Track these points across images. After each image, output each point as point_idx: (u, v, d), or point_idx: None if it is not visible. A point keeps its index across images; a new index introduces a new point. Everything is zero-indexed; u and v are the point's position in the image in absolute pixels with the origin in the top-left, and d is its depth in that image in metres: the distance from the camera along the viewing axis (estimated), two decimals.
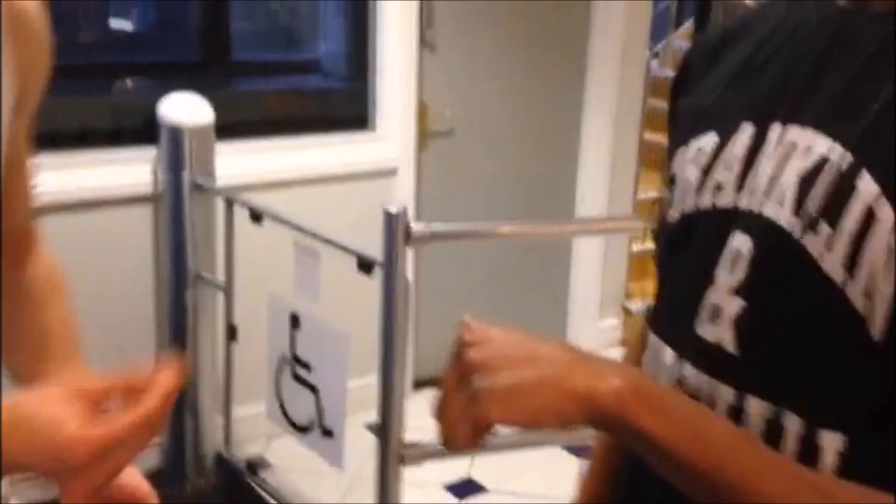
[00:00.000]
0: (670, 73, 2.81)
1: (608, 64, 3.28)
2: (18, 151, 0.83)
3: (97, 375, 0.67)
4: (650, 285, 1.82)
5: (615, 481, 0.82)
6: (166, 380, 0.65)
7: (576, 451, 2.59)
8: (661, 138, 1.08)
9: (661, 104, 1.45)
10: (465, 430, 0.58)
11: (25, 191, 0.88)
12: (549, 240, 3.32)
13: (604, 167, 3.37)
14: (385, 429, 1.75)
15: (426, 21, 2.88)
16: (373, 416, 1.80)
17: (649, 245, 0.89)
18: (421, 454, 1.75)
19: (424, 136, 2.99)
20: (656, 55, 4.37)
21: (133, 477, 0.78)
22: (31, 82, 0.82)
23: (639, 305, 3.51)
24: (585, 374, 0.57)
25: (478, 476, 2.66)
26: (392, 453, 1.75)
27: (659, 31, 4.29)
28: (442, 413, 0.60)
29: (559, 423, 0.57)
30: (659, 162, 0.89)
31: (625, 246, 3.51)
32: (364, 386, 1.98)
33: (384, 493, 1.76)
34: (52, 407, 0.62)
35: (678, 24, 5.18)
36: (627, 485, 0.78)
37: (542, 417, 0.57)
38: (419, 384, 3.11)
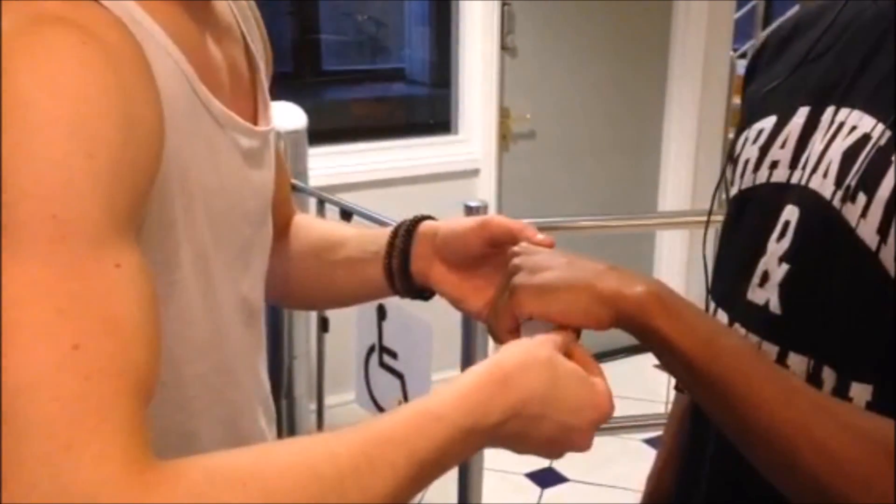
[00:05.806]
0: None
1: (690, 64, 3.27)
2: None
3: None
4: None
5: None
6: None
7: (655, 443, 2.61)
8: None
9: None
10: (504, 323, 0.66)
11: (281, 164, 0.91)
12: (631, 237, 3.32)
13: (687, 167, 3.34)
14: None
15: (507, 27, 2.95)
16: None
17: None
18: None
19: (506, 138, 3.06)
20: (743, 55, 4.32)
21: None
22: (267, 65, 0.84)
23: None
24: (614, 279, 0.63)
25: (559, 466, 2.68)
26: None
27: (745, 31, 4.24)
28: (490, 310, 0.69)
29: (588, 323, 0.63)
30: None
31: (708, 244, 3.49)
32: (448, 378, 2.06)
33: (465, 479, 1.83)
34: (560, 357, 0.61)
35: (766, 24, 5.08)
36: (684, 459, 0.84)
37: (571, 315, 0.63)
38: None
